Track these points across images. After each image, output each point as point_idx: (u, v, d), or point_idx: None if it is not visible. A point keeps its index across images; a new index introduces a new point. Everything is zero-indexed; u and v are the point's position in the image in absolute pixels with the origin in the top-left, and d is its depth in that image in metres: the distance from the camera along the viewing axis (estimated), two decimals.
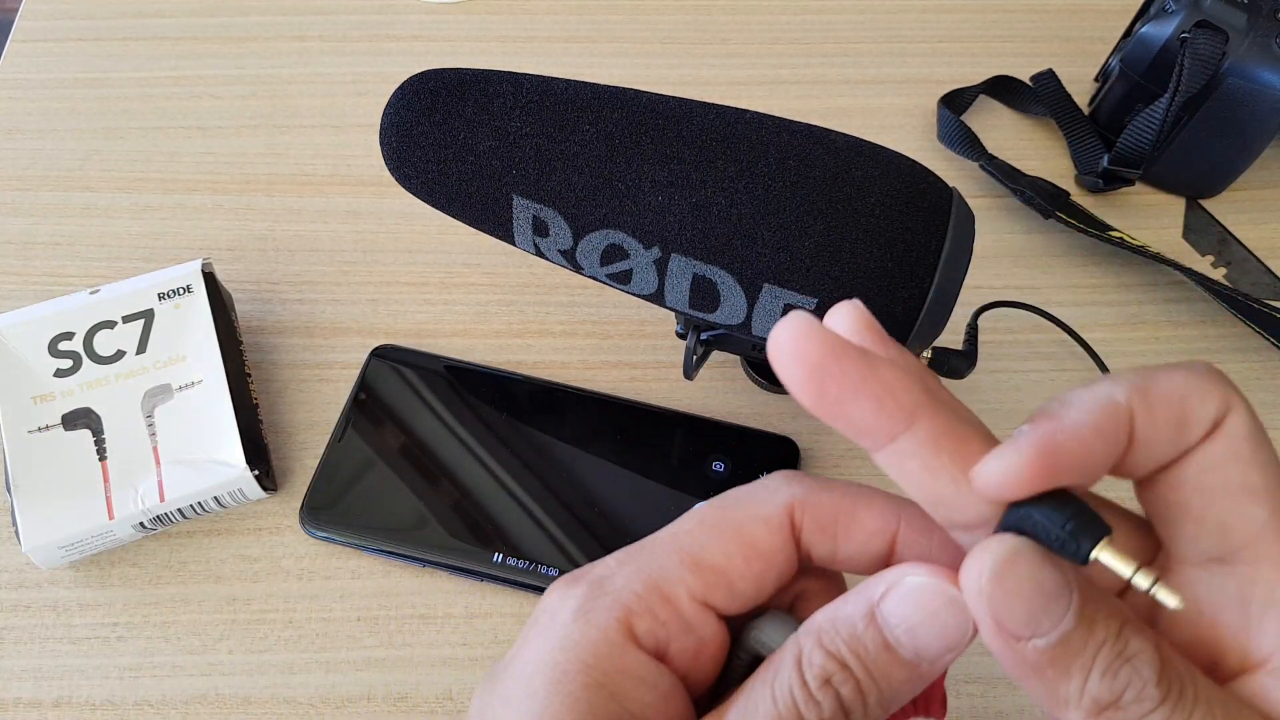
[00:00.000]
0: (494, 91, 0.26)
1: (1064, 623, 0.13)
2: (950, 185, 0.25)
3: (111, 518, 0.30)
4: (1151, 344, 0.38)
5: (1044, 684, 0.14)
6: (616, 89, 0.26)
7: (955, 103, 0.43)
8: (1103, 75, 0.43)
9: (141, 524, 0.31)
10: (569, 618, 0.16)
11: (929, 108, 0.44)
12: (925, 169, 0.25)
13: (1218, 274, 0.40)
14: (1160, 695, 0.13)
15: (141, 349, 0.33)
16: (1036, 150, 0.43)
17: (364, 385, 0.35)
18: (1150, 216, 0.41)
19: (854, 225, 0.24)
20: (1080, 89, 0.44)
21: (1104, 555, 0.13)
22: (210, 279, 0.34)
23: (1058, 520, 0.13)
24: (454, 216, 0.28)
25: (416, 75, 0.27)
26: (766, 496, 0.17)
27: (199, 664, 0.30)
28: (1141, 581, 0.13)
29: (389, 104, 0.27)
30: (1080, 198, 0.41)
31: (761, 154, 0.24)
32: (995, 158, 0.41)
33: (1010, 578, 0.13)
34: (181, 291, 0.33)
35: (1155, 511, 0.15)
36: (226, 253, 0.39)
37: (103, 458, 0.31)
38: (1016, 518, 0.14)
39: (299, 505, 0.32)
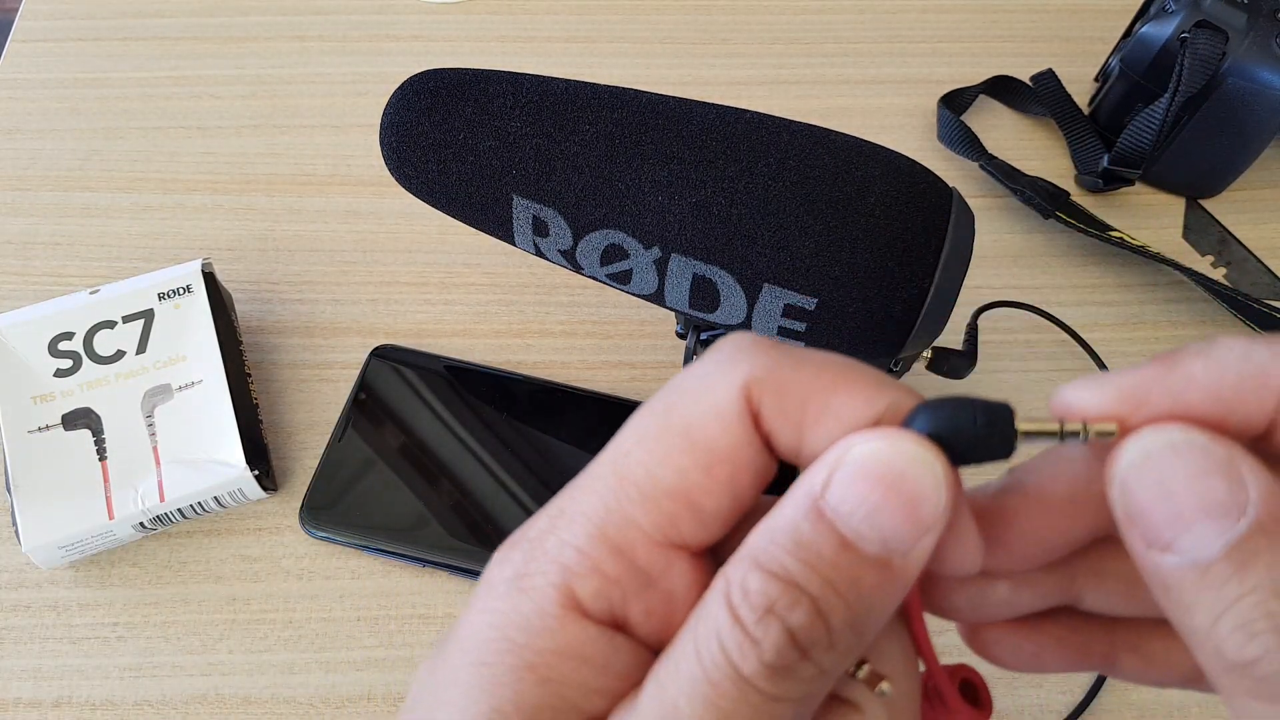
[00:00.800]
0: (494, 91, 0.26)
1: (1210, 547, 0.11)
2: (950, 185, 0.25)
3: (111, 518, 0.30)
4: (1152, 344, 0.38)
5: (1173, 605, 0.11)
6: (616, 89, 0.26)
7: (955, 103, 0.43)
8: (1103, 75, 0.43)
9: (141, 524, 0.31)
10: (503, 589, 0.13)
11: (929, 108, 0.44)
12: (925, 169, 0.25)
13: (1218, 274, 0.40)
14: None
15: (141, 349, 0.33)
16: (1036, 150, 0.43)
17: (364, 385, 0.35)
18: (1150, 216, 0.41)
19: (854, 225, 0.24)
20: (1080, 89, 0.44)
21: (1025, 425, 0.12)
22: (210, 279, 0.34)
23: (967, 418, 0.12)
24: (454, 216, 0.28)
25: (417, 75, 0.27)
26: (715, 380, 0.13)
27: (199, 664, 0.30)
28: (1074, 429, 0.12)
29: (389, 104, 0.27)
30: (1080, 198, 0.41)
31: (761, 154, 0.24)
32: (995, 158, 0.41)
33: (1161, 471, 0.11)
34: (181, 291, 0.33)
35: None
36: (226, 253, 0.39)
37: (103, 458, 0.31)
38: (932, 424, 0.12)
39: (299, 505, 0.32)
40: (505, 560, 0.13)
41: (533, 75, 0.27)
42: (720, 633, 0.11)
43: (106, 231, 0.39)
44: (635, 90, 0.26)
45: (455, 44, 0.46)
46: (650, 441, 0.13)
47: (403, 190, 0.29)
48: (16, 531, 0.29)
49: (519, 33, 0.47)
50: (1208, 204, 0.42)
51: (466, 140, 0.26)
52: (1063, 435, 0.12)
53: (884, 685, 0.13)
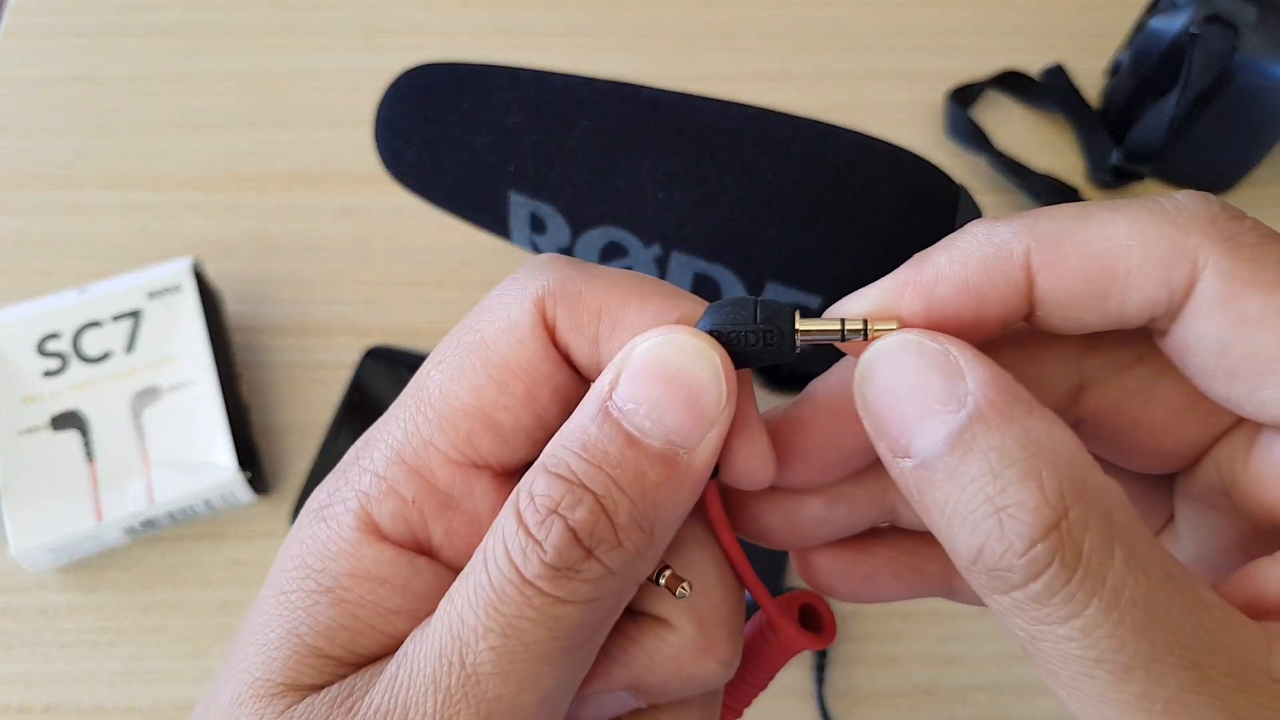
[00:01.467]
0: (490, 86, 0.26)
1: (934, 442, 0.11)
2: (958, 182, 0.25)
3: (100, 520, 0.29)
4: None
5: (921, 512, 0.12)
6: (616, 83, 0.25)
7: (963, 97, 0.43)
8: (1113, 70, 0.43)
9: (131, 527, 0.30)
10: (306, 520, 0.13)
11: (936, 102, 0.43)
12: (932, 165, 0.24)
13: None
14: (1030, 567, 0.10)
15: (130, 349, 0.32)
16: (1046, 146, 0.43)
17: (357, 386, 0.34)
18: None
19: (859, 222, 0.23)
20: (1090, 83, 0.44)
21: (805, 325, 0.13)
22: (200, 278, 0.33)
23: (747, 316, 0.12)
24: (450, 213, 0.28)
25: (411, 69, 0.27)
26: (510, 297, 0.13)
27: (190, 670, 0.29)
28: (855, 326, 0.13)
29: (383, 99, 0.27)
30: (1090, 194, 0.41)
31: (765, 150, 0.24)
32: (1003, 154, 0.40)
33: (888, 375, 0.12)
34: (171, 290, 0.33)
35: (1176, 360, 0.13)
36: (217, 251, 0.38)
37: (91, 460, 0.30)
38: (712, 321, 0.13)
39: (291, 509, 0.32)
40: (313, 496, 0.14)
41: (530, 69, 0.26)
42: (505, 538, 0.11)
43: (95, 229, 0.39)
44: (635, 85, 0.25)
45: (451, 38, 0.45)
46: (447, 362, 0.13)
47: (397, 187, 0.28)
48: (5, 535, 0.29)
49: (516, 26, 0.46)
50: None
51: (462, 136, 0.26)
52: (844, 334, 0.13)
53: (683, 587, 0.13)
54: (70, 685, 0.29)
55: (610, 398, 0.12)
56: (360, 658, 0.13)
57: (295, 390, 0.35)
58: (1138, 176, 0.40)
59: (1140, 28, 0.41)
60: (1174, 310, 0.12)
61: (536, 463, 0.12)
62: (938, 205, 0.24)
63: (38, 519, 0.29)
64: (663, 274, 0.26)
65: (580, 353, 0.13)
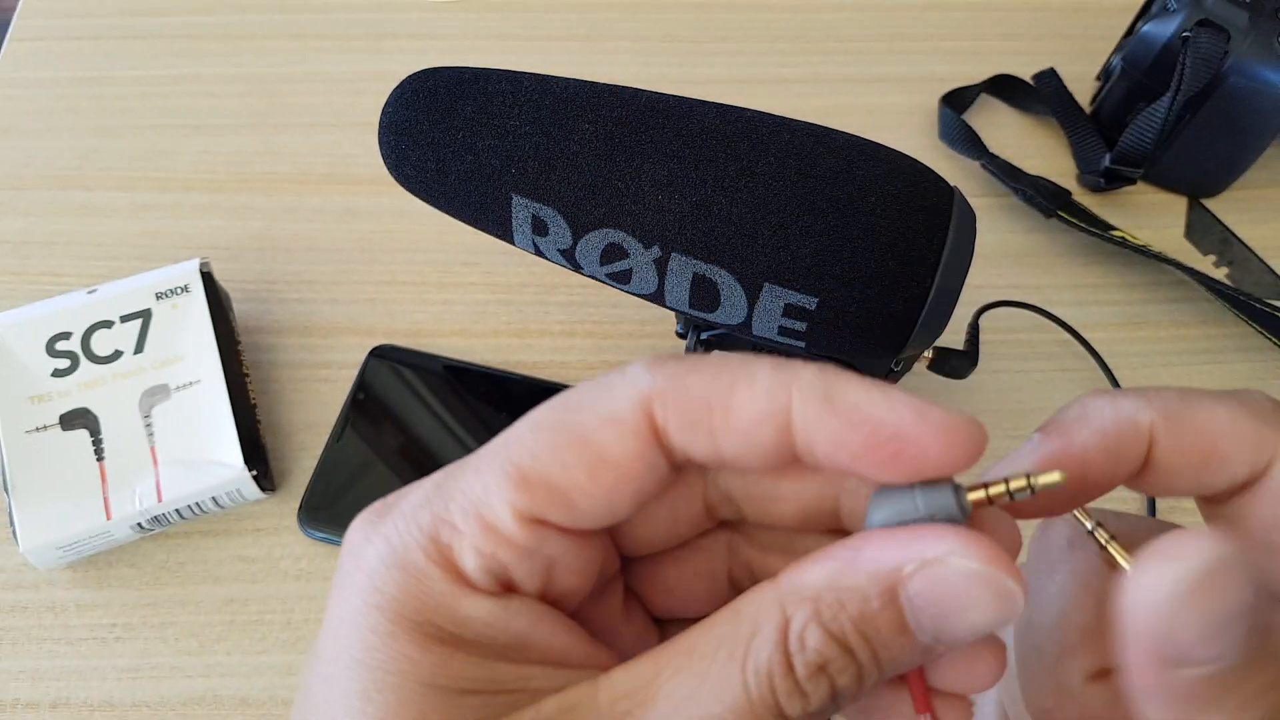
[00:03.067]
0: (493, 90, 0.26)
1: (1226, 653, 0.12)
2: (951, 184, 0.25)
3: (109, 518, 0.30)
4: (1154, 344, 0.38)
5: (1185, 711, 0.12)
6: (616, 87, 0.26)
7: (957, 101, 0.43)
8: (1105, 74, 0.43)
9: (139, 525, 0.31)
10: (376, 562, 0.13)
11: (930, 106, 0.44)
12: (926, 168, 0.25)
13: (1220, 273, 0.40)
14: None
15: (139, 349, 0.32)
16: (1038, 149, 0.43)
17: (362, 385, 0.35)
18: (1152, 216, 0.41)
19: (855, 225, 0.24)
20: (1082, 88, 0.44)
21: (973, 497, 0.13)
22: (208, 278, 0.34)
23: (910, 508, 0.13)
24: (453, 215, 0.28)
25: (415, 74, 0.27)
26: (619, 391, 0.13)
27: (197, 665, 0.30)
28: (1019, 484, 0.13)
29: (387, 102, 0.27)
30: (1082, 197, 0.41)
31: (762, 153, 0.24)
32: (997, 157, 0.41)
33: (1207, 598, 0.12)
34: (179, 291, 0.33)
35: (1233, 528, 0.14)
36: (224, 252, 0.38)
37: (100, 458, 0.31)
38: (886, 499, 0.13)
39: (297, 506, 0.32)
40: (373, 531, 0.13)
41: (532, 74, 0.26)
42: (774, 676, 0.12)
43: (104, 231, 0.39)
44: (635, 89, 0.26)
45: (454, 42, 0.46)
46: (544, 431, 0.13)
47: (401, 189, 0.28)
48: (14, 532, 0.29)
49: (518, 31, 0.46)
50: (1210, 203, 0.42)
51: (465, 139, 0.26)
52: (1012, 495, 0.13)
53: None
54: (78, 681, 0.29)
55: (906, 586, 0.12)
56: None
57: (301, 389, 0.35)
58: (1129, 180, 0.40)
59: (1132, 32, 0.41)
60: (1240, 488, 0.14)
61: (810, 594, 0.12)
62: (932, 207, 0.24)
63: (47, 516, 0.30)
64: (662, 275, 0.26)
65: (699, 450, 0.13)
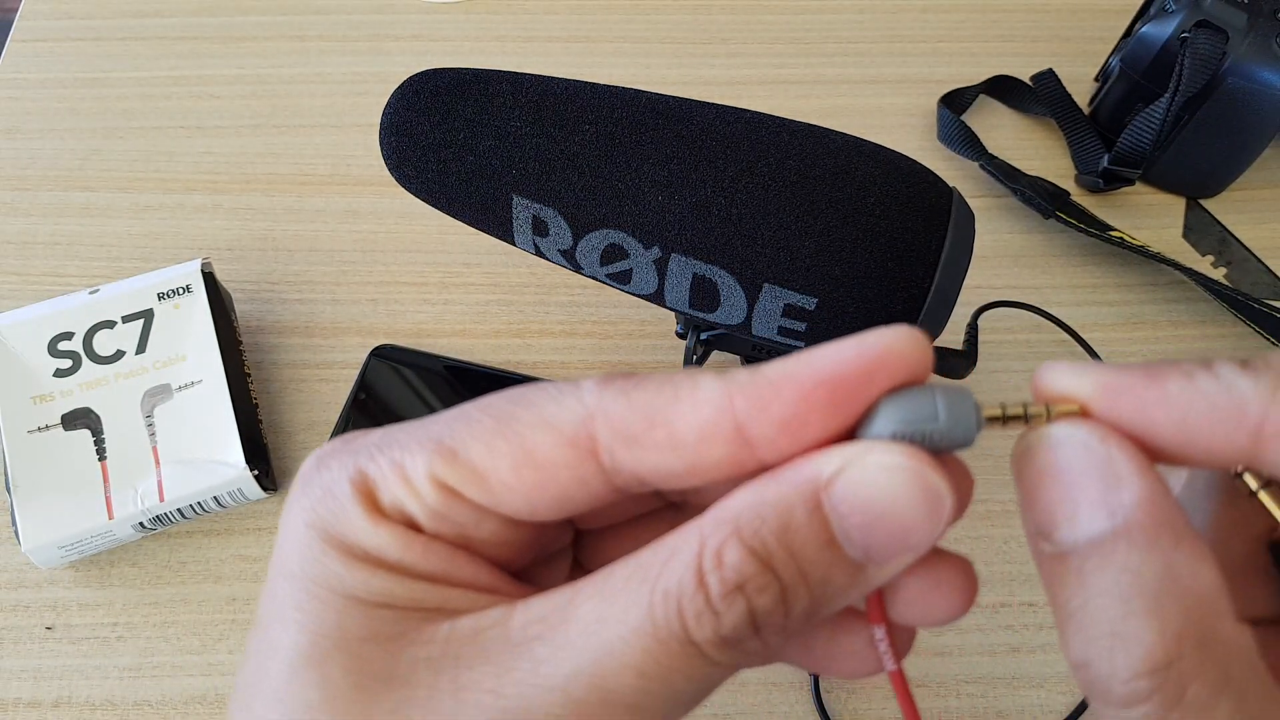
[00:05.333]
0: (493, 91, 0.26)
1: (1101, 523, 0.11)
2: (950, 185, 0.25)
3: (111, 518, 0.30)
4: (1152, 344, 0.38)
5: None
6: (616, 88, 0.26)
7: (955, 102, 0.43)
8: (1103, 75, 0.43)
9: (141, 524, 0.31)
10: (317, 489, 0.13)
11: (929, 107, 0.44)
12: (925, 169, 0.25)
13: (1218, 274, 0.40)
14: (1137, 690, 0.11)
15: (141, 349, 0.32)
16: (1037, 150, 0.43)
17: (364, 385, 0.35)
18: (1150, 216, 0.41)
19: (854, 225, 0.24)
20: (1080, 89, 0.44)
21: (989, 413, 0.13)
22: (210, 279, 0.34)
23: (930, 412, 0.12)
24: (454, 216, 0.28)
25: (416, 75, 0.27)
26: (567, 401, 0.13)
27: (198, 664, 0.30)
28: (1038, 410, 0.12)
29: (389, 104, 0.27)
30: (1080, 197, 0.41)
31: (761, 154, 0.24)
32: (995, 157, 0.41)
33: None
34: (181, 291, 0.33)
35: None
36: (226, 252, 0.39)
37: (102, 458, 0.31)
38: (899, 420, 0.12)
39: None
40: (322, 464, 0.14)
41: (532, 75, 0.27)
42: (682, 596, 0.11)
43: (106, 231, 0.39)
44: (635, 90, 0.26)
45: (455, 44, 0.46)
46: (489, 415, 0.13)
47: (402, 190, 0.28)
48: (16, 531, 0.29)
49: (518, 32, 0.47)
50: (1208, 204, 0.42)
51: (466, 140, 0.26)
52: (1028, 417, 0.12)
53: None
54: (80, 680, 0.29)
55: (829, 491, 0.12)
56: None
57: (303, 389, 0.35)
58: (1127, 181, 0.40)
59: (1130, 33, 0.41)
60: None
61: (728, 516, 0.12)
62: (931, 208, 0.24)
63: (49, 516, 0.30)
64: (662, 275, 0.26)
65: (646, 469, 0.13)
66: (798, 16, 0.47)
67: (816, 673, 0.15)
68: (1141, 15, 0.41)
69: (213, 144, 0.42)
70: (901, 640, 0.14)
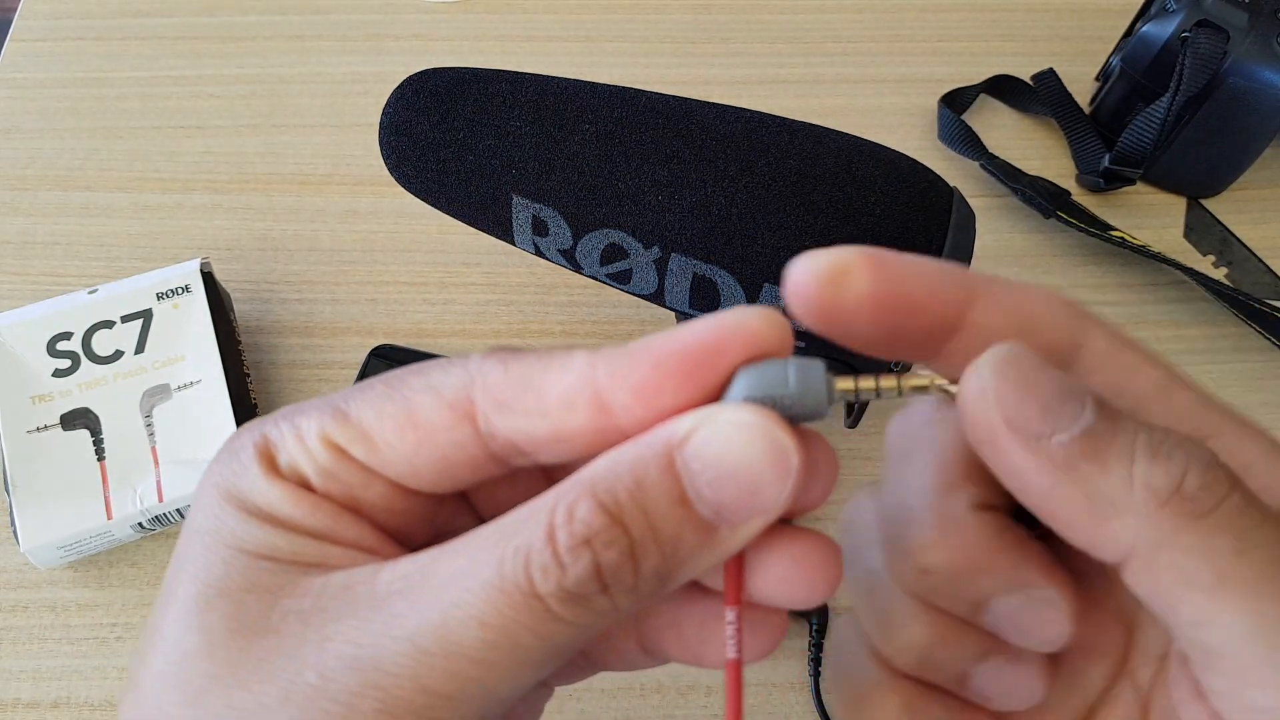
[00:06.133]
0: (493, 91, 0.26)
1: (1085, 415, 0.12)
2: (951, 185, 0.25)
3: (110, 518, 0.30)
4: (1153, 344, 0.37)
5: (1081, 487, 0.12)
6: (616, 88, 0.26)
7: (956, 102, 0.43)
8: (1104, 74, 0.43)
9: (140, 524, 0.31)
10: (224, 452, 0.15)
11: (929, 107, 0.44)
12: (926, 168, 0.25)
13: (1219, 274, 0.40)
14: (1230, 479, 0.12)
15: (140, 349, 0.32)
16: (1037, 150, 0.43)
17: None
18: (1151, 216, 0.41)
19: (854, 225, 0.24)
20: (1081, 88, 0.44)
21: (842, 385, 0.13)
22: (209, 279, 0.34)
23: (780, 378, 0.12)
24: (453, 216, 0.28)
25: (416, 74, 0.27)
26: (454, 370, 0.14)
27: None
28: (889, 384, 0.13)
29: (388, 103, 0.27)
30: (1081, 197, 0.41)
31: (761, 153, 0.24)
32: (996, 157, 0.41)
33: (1016, 373, 0.12)
34: (180, 291, 0.33)
35: None
36: (225, 252, 0.39)
37: (101, 458, 0.31)
38: (750, 388, 0.13)
39: None
40: (239, 433, 0.15)
41: (532, 74, 0.26)
42: (531, 549, 0.12)
43: (105, 231, 0.39)
44: (635, 89, 0.26)
45: (454, 43, 0.46)
46: (384, 382, 0.14)
47: (402, 190, 0.28)
48: (15, 532, 0.29)
49: (518, 32, 0.47)
50: (1209, 203, 0.42)
51: (466, 140, 0.26)
52: (879, 393, 0.13)
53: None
54: (79, 680, 0.29)
55: (681, 449, 0.12)
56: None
57: (302, 389, 0.35)
58: (1128, 180, 0.40)
59: (1131, 33, 0.41)
60: None
61: (585, 476, 0.12)
62: (932, 208, 0.24)
63: (48, 516, 0.30)
64: (662, 275, 0.26)
65: (514, 431, 0.13)
66: (798, 16, 0.47)
67: (690, 663, 0.15)
68: (1142, 15, 0.41)
69: (212, 144, 0.42)
70: (765, 634, 0.14)
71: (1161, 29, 0.38)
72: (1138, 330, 0.38)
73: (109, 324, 0.33)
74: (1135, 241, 0.38)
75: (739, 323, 0.13)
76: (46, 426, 0.31)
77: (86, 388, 0.32)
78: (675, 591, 0.14)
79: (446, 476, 0.14)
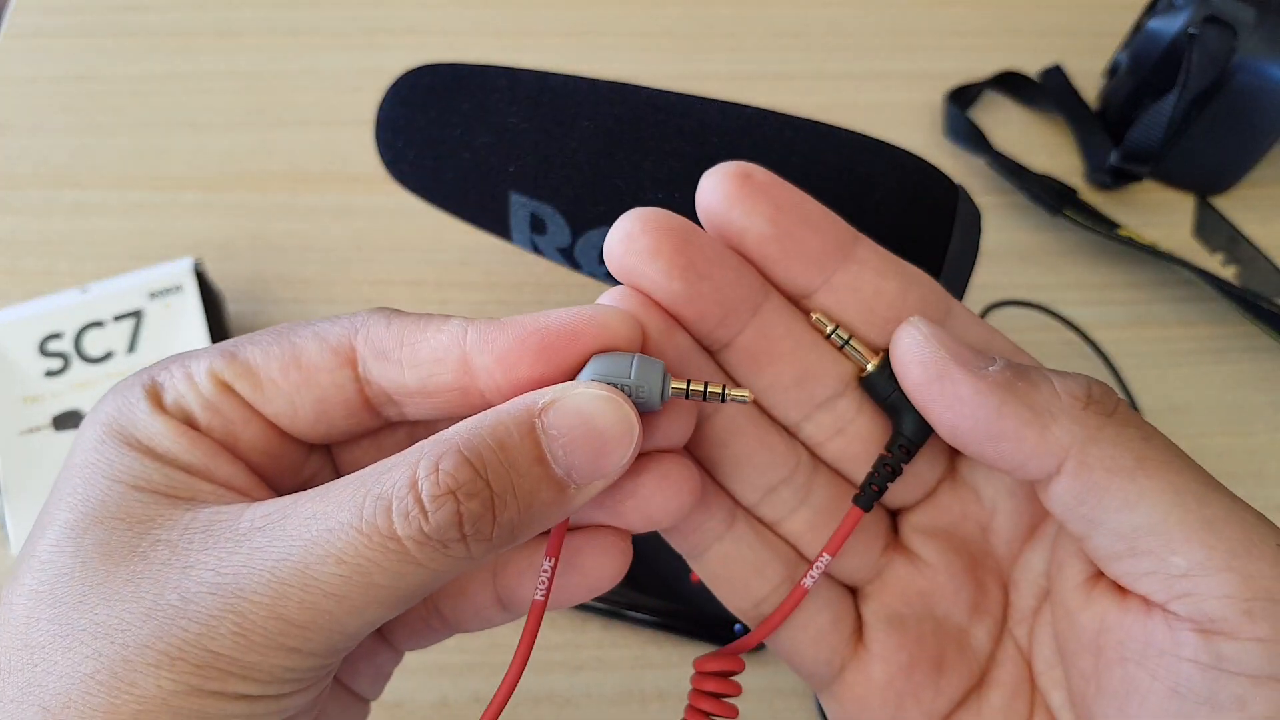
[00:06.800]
0: (491, 86, 0.26)
1: (999, 357, 0.15)
2: (957, 182, 0.25)
3: None
4: (1161, 343, 0.37)
5: (1024, 400, 0.15)
6: (615, 84, 0.25)
7: (962, 98, 0.43)
8: (1111, 70, 0.43)
9: None
10: (111, 394, 0.16)
11: (935, 103, 0.43)
12: (931, 166, 0.24)
13: (1228, 273, 0.39)
14: (1113, 390, 0.15)
15: (132, 349, 0.32)
16: (1044, 146, 0.43)
17: None
18: (1160, 214, 0.41)
19: (858, 223, 0.23)
20: (1089, 84, 0.44)
21: (675, 385, 0.15)
22: (201, 277, 0.33)
23: (624, 370, 0.14)
24: (450, 213, 0.28)
25: (412, 70, 0.27)
26: (343, 320, 0.15)
27: None
28: (715, 389, 0.15)
29: (384, 99, 0.27)
30: (1088, 195, 0.41)
31: (764, 150, 0.24)
32: (1002, 154, 0.40)
33: (943, 330, 0.15)
34: (172, 290, 0.33)
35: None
36: (218, 251, 0.38)
37: None
38: (596, 371, 0.15)
39: None
40: (129, 378, 0.16)
41: (530, 70, 0.26)
42: (394, 494, 0.13)
43: (96, 229, 0.39)
44: (635, 85, 0.25)
45: (451, 38, 0.45)
46: (273, 330, 0.16)
47: (398, 187, 0.28)
48: (7, 534, 0.29)
49: (516, 27, 0.46)
50: (1218, 201, 0.41)
51: (463, 136, 0.26)
52: (705, 396, 0.15)
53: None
54: None
55: (541, 416, 0.14)
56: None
57: None
58: (1136, 177, 0.40)
59: (1139, 28, 0.41)
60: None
61: (450, 435, 0.13)
62: (937, 205, 0.24)
63: None
64: None
65: (386, 380, 0.15)
66: (801, 10, 0.47)
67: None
68: (1150, 10, 0.41)
69: (205, 141, 0.41)
70: (579, 582, 0.16)
71: (1169, 25, 0.38)
72: (1145, 329, 0.38)
73: (100, 324, 0.32)
74: (1143, 240, 0.38)
75: (595, 316, 0.14)
76: (38, 428, 0.31)
77: (78, 388, 0.31)
78: (529, 541, 0.16)
79: (323, 420, 0.15)
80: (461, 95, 0.26)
